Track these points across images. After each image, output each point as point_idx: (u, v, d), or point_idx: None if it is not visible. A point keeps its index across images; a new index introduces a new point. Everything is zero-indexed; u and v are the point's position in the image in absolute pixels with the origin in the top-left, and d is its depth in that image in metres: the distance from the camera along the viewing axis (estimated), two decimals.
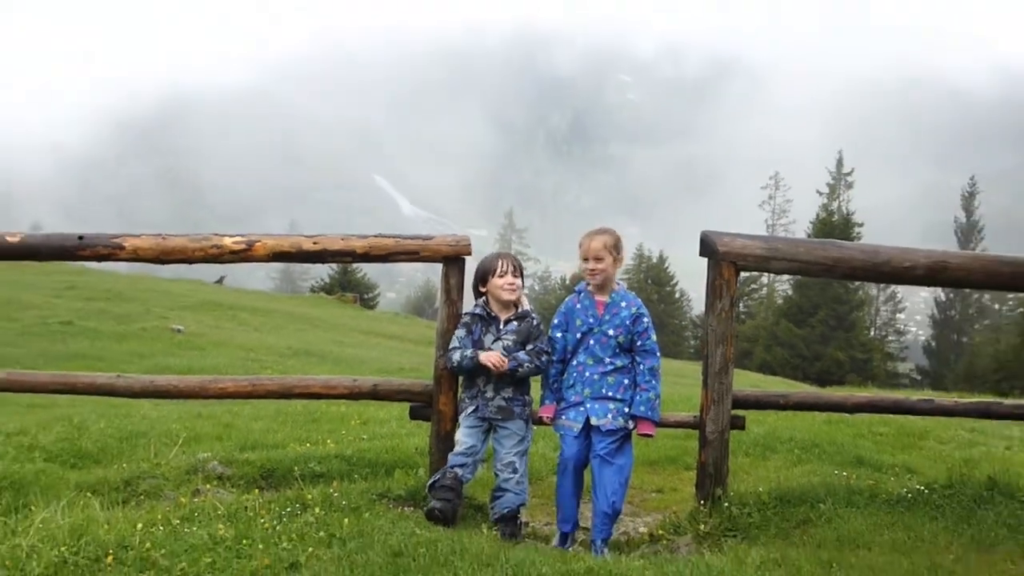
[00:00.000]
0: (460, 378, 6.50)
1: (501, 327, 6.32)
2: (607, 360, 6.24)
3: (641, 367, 6.25)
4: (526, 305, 6.45)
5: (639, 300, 6.41)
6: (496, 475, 6.24)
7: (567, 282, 79.64)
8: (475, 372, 6.25)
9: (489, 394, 6.23)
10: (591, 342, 6.27)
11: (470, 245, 6.43)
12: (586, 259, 6.28)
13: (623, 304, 6.31)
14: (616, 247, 6.29)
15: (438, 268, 6.49)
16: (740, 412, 6.67)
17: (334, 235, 6.41)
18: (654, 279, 76.66)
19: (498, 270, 6.27)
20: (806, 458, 9.12)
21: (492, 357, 6.11)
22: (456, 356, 6.20)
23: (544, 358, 6.27)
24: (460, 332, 6.31)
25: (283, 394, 6.71)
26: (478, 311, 6.36)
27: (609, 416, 6.16)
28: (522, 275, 6.40)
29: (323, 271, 71.34)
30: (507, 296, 6.28)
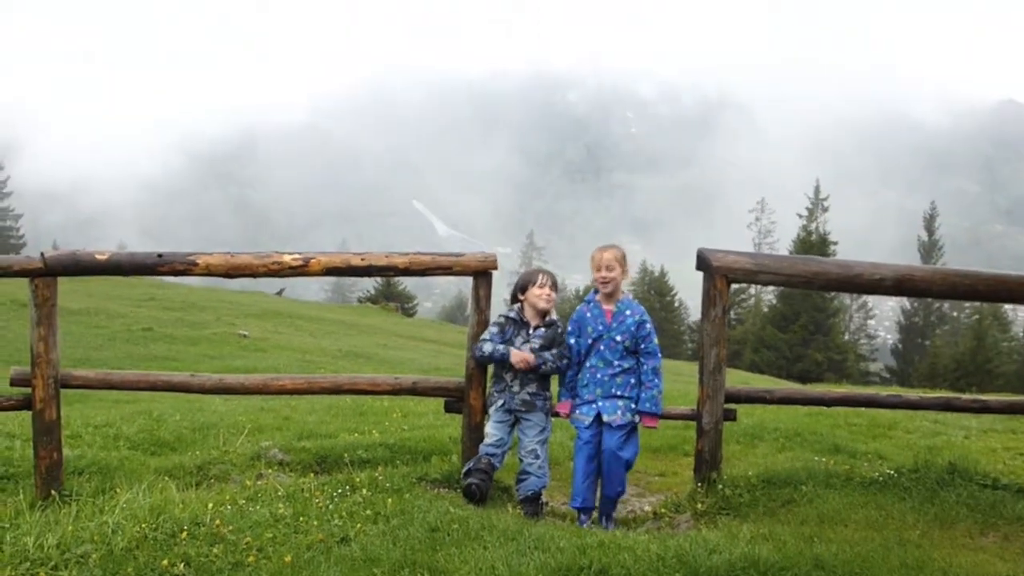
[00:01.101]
0: (489, 374, 6.49)
1: (531, 331, 6.33)
2: (616, 363, 6.22)
3: (645, 367, 6.22)
4: (554, 314, 6.47)
5: (642, 308, 6.38)
6: (520, 460, 6.23)
7: (580, 293, 79.94)
8: (502, 367, 6.29)
9: (515, 388, 6.28)
10: (601, 347, 6.25)
11: (496, 261, 6.45)
12: (599, 269, 6.26)
13: (628, 312, 6.29)
14: (623, 260, 6.31)
15: (469, 281, 6.50)
16: (732, 406, 6.63)
17: (379, 253, 6.42)
18: (656, 290, 76.22)
19: (538, 282, 6.31)
20: (790, 446, 9.08)
21: (522, 359, 6.17)
22: (488, 347, 6.25)
23: (564, 361, 6.29)
24: (493, 329, 6.36)
25: (334, 391, 6.70)
26: (512, 315, 6.38)
27: (619, 413, 6.14)
28: (557, 290, 6.42)
29: (369, 284, 71.48)
30: (543, 305, 6.31)
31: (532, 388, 6.29)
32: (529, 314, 6.38)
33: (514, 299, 6.48)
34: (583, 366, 6.32)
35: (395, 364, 22.49)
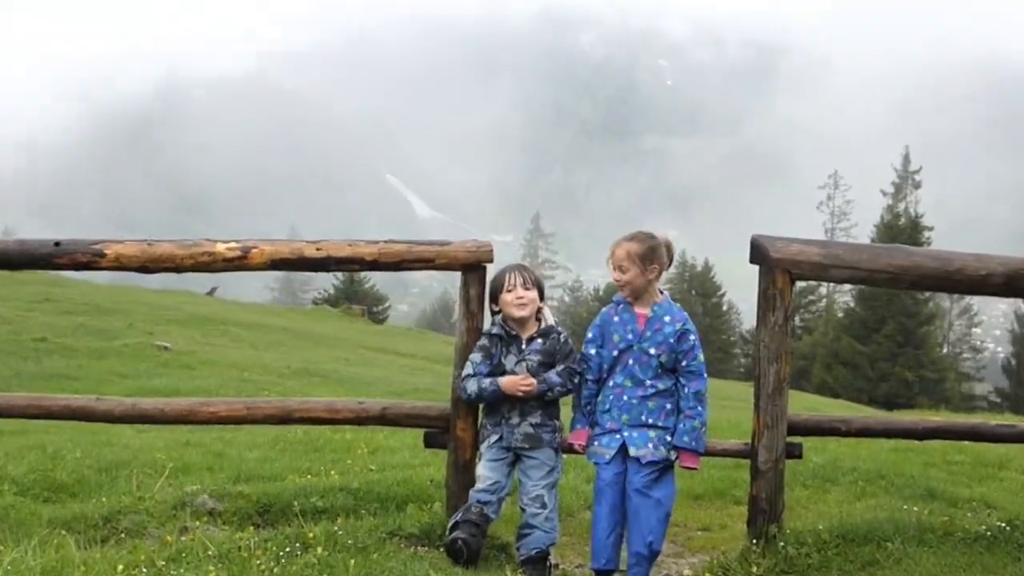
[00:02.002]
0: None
1: (524, 346, 6.32)
2: (648, 382, 6.17)
3: (685, 391, 6.17)
4: (549, 319, 6.44)
5: (685, 314, 6.33)
6: (522, 511, 6.19)
7: (601, 293, 79.88)
8: (495, 400, 6.26)
9: (514, 420, 6.21)
10: (630, 361, 6.20)
11: (492, 252, 6.42)
12: (614, 269, 6.28)
13: (667, 319, 6.23)
14: (644, 257, 6.20)
15: (456, 277, 6.49)
16: (796, 439, 6.61)
17: (339, 240, 6.40)
18: (699, 289, 76.41)
19: (505, 284, 6.30)
20: (871, 491, 9.06)
21: (520, 384, 6.13)
22: (472, 386, 6.23)
23: (577, 379, 6.27)
24: (475, 357, 6.32)
25: (282, 419, 6.69)
26: (496, 331, 6.36)
27: (650, 446, 6.08)
28: (538, 286, 6.37)
29: (327, 281, 71.98)
30: (517, 313, 6.28)
31: (536, 418, 6.24)
32: (514, 325, 6.37)
33: (493, 312, 6.51)
34: (605, 385, 6.29)
35: (360, 384, 22.49)
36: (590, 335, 6.38)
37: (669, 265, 6.35)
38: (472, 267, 6.39)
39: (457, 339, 6.51)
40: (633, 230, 6.42)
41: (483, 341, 6.35)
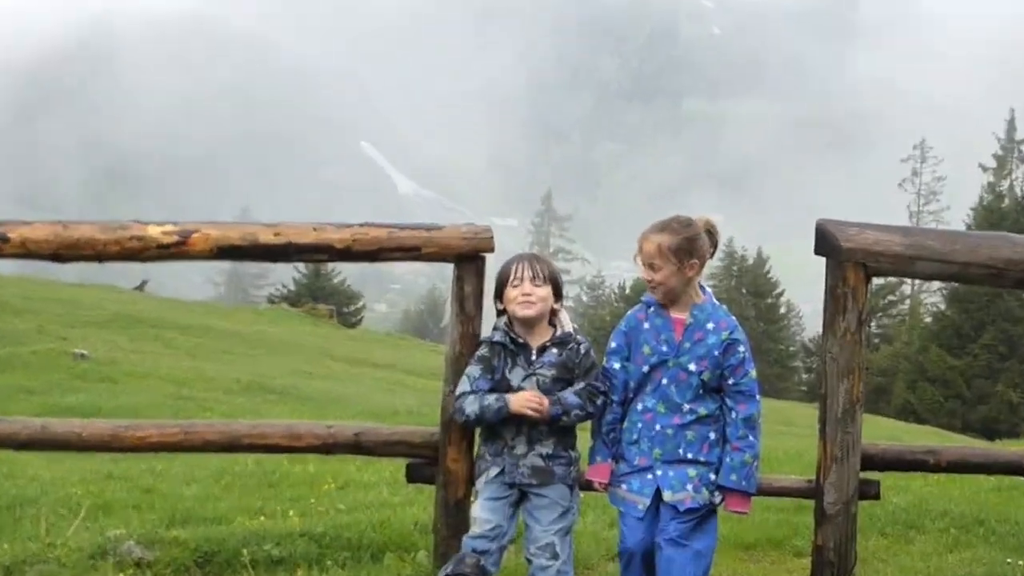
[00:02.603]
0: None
1: (533, 357, 6.22)
2: (686, 407, 6.06)
3: (733, 416, 6.07)
4: (567, 325, 6.31)
5: (733, 320, 6.22)
6: (528, 561, 6.13)
7: (627, 291, 79.72)
8: (498, 421, 6.14)
9: (520, 449, 6.09)
10: (663, 380, 6.10)
11: (492, 239, 6.39)
12: (644, 266, 6.20)
13: (710, 326, 6.12)
14: (680, 251, 6.07)
15: (447, 271, 6.49)
16: (872, 475, 6.59)
17: (303, 224, 6.36)
18: (751, 287, 76.03)
19: (511, 278, 6.18)
20: (966, 540, 9.04)
21: (530, 400, 6.01)
22: (471, 405, 6.08)
23: (600, 400, 6.16)
24: (474, 370, 6.21)
25: (228, 446, 6.66)
26: (498, 338, 6.24)
27: (689, 489, 6.00)
28: (552, 282, 6.25)
29: (286, 274, 71.76)
30: (522, 312, 6.15)
31: (547, 447, 6.11)
32: (521, 330, 6.26)
33: (499, 312, 6.39)
34: (632, 408, 6.21)
35: (326, 404, 22.47)
36: (613, 344, 6.28)
37: (713, 253, 6.24)
38: (467, 258, 6.36)
39: (448, 348, 6.47)
40: (666, 216, 6.32)
41: (483, 351, 6.25)
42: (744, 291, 75.42)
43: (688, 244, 6.05)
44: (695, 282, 6.17)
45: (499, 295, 6.25)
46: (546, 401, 5.97)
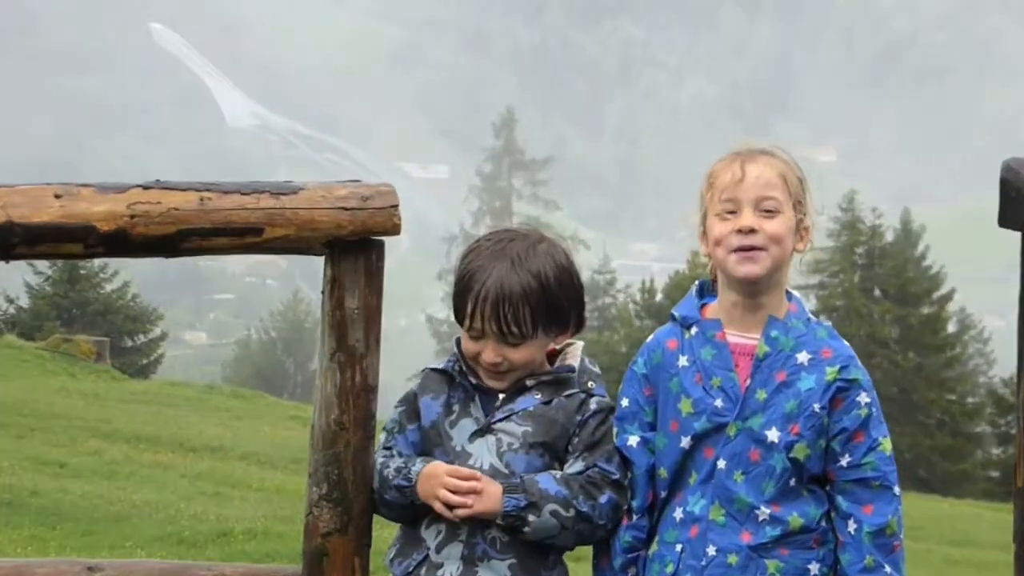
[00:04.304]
0: (385, 534, 4.42)
1: (498, 401, 4.20)
2: (764, 511, 4.00)
3: (853, 528, 4.00)
4: (574, 358, 4.30)
5: (846, 347, 4.17)
6: None
7: (659, 295, 56.44)
8: (419, 511, 4.16)
9: (449, 571, 4.09)
10: (720, 462, 4.06)
11: (397, 207, 4.22)
12: (730, 211, 4.04)
13: (803, 358, 4.05)
14: (800, 195, 4.08)
15: (315, 269, 4.58)
16: None
17: (33, 186, 4.23)
18: (888, 286, 51.00)
19: (467, 314, 4.13)
20: None
21: (449, 478, 3.99)
22: (389, 465, 4.13)
23: (606, 498, 4.08)
24: (394, 417, 4.36)
25: None
26: (446, 365, 4.30)
27: None
28: (556, 314, 4.15)
29: (11, 279, 45.12)
30: (489, 382, 4.18)
31: (501, 569, 4.07)
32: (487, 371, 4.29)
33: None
34: (666, 517, 4.19)
35: (94, 522, 14.87)
36: (624, 403, 4.24)
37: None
38: (350, 246, 4.24)
39: (317, 414, 4.31)
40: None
41: (418, 386, 4.36)
42: (877, 292, 52.45)
43: (803, 189, 4.14)
44: (788, 275, 4.21)
45: (459, 317, 4.27)
46: (493, 487, 3.98)
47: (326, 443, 4.26)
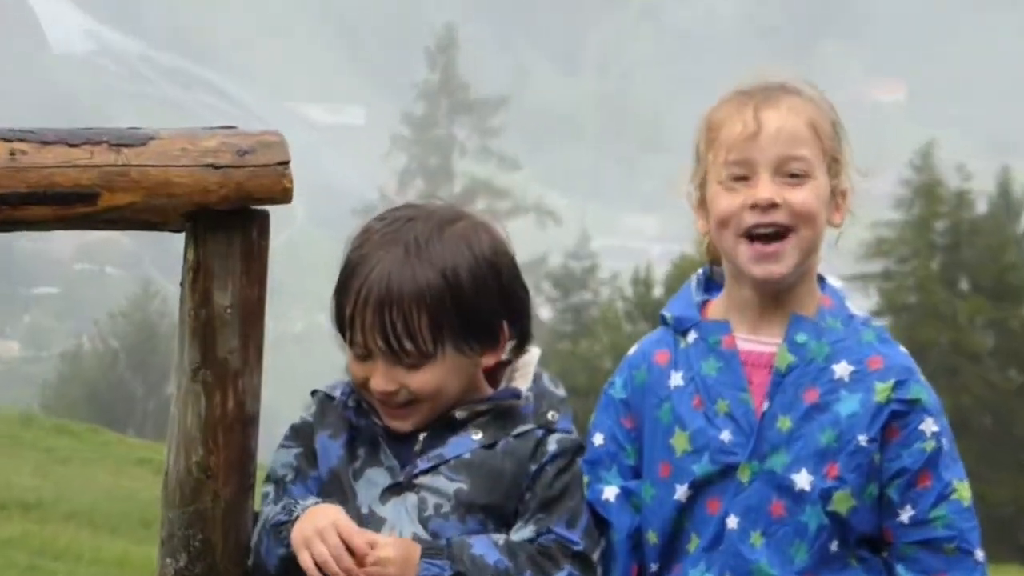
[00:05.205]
0: None
1: (419, 446, 3.43)
2: None
3: None
4: (523, 379, 3.56)
5: (903, 355, 3.46)
6: None
7: (653, 288, 48.62)
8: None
9: None
10: (732, 519, 3.38)
11: (288, 165, 3.46)
12: (740, 177, 3.35)
13: (842, 370, 3.38)
14: (838, 150, 3.39)
15: (172, 252, 3.68)
16: None
17: None
18: (978, 273, 42.71)
19: (346, 323, 3.44)
20: None
21: (328, 534, 3.19)
22: (274, 505, 3.43)
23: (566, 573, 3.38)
24: (283, 457, 3.55)
25: None
26: (339, 394, 3.52)
27: None
28: (475, 329, 3.42)
29: None
30: (387, 420, 3.41)
31: None
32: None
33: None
34: None
35: None
36: (598, 436, 3.59)
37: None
38: (220, 219, 3.49)
39: (169, 456, 3.58)
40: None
41: (309, 413, 3.58)
42: (964, 285, 41.97)
43: (839, 140, 3.44)
44: (819, 256, 3.52)
45: (340, 327, 3.55)
46: (405, 549, 3.24)
47: (185, 497, 3.50)
